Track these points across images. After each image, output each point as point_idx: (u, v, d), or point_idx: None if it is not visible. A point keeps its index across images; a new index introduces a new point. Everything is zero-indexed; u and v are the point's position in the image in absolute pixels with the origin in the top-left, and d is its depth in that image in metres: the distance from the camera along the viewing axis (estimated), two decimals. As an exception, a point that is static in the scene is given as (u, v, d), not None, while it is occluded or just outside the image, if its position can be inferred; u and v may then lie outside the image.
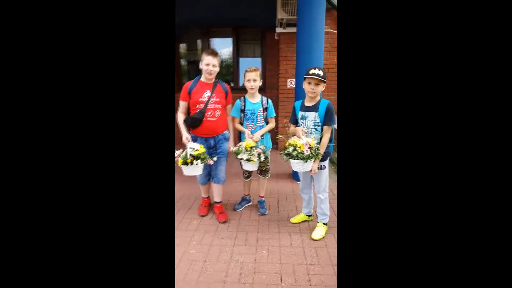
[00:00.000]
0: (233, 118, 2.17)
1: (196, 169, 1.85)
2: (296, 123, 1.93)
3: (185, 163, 1.81)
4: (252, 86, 2.06)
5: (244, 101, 2.13)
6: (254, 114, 2.13)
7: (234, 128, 2.22)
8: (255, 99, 2.15)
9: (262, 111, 2.14)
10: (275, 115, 2.20)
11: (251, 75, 2.04)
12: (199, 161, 1.82)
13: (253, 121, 2.14)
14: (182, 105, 2.05)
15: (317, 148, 1.72)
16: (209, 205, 2.39)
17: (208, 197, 2.38)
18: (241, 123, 2.17)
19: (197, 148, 1.84)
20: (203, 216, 2.28)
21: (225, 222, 2.18)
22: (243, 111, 2.13)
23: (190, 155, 1.81)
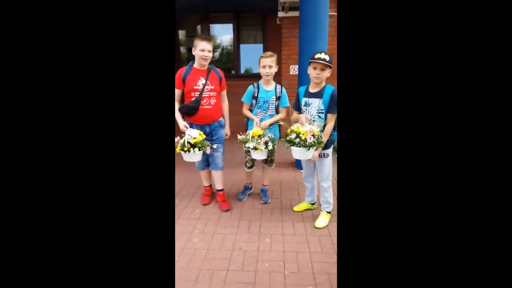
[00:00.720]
0: (243, 104, 2.11)
1: (195, 156, 1.85)
2: (299, 110, 1.88)
3: (183, 150, 1.82)
4: (267, 72, 1.97)
5: (258, 87, 2.05)
6: (267, 102, 2.06)
7: (244, 114, 2.17)
8: (269, 87, 2.07)
9: (274, 99, 2.07)
10: (288, 104, 2.11)
11: (267, 61, 1.96)
12: (196, 149, 1.81)
13: (264, 109, 2.07)
14: (176, 93, 2.00)
15: (320, 136, 1.67)
16: (211, 194, 2.38)
17: (210, 185, 2.37)
18: (251, 110, 2.10)
19: (195, 135, 1.83)
20: (205, 205, 2.28)
21: (227, 210, 2.18)
22: (255, 98, 2.05)
23: (188, 142, 1.80)
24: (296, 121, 1.82)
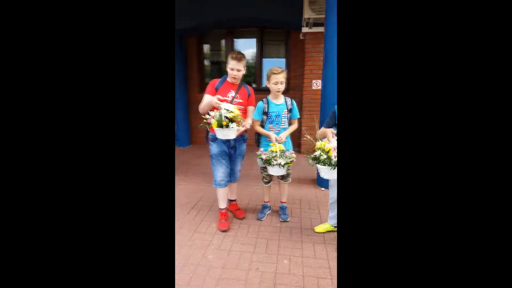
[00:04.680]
0: (254, 121, 2.08)
1: (230, 133, 1.75)
2: (331, 127, 1.79)
3: (220, 125, 1.71)
4: (279, 88, 1.97)
5: (267, 103, 2.04)
6: (279, 116, 2.04)
7: (256, 131, 2.13)
8: (279, 101, 2.06)
9: (286, 112, 2.05)
10: (299, 116, 2.11)
11: (279, 77, 1.95)
12: (234, 124, 1.72)
13: (277, 124, 2.05)
14: (206, 97, 1.98)
15: None
16: (228, 218, 2.18)
17: (226, 208, 2.18)
18: (262, 126, 2.08)
19: (231, 109, 1.73)
20: (224, 231, 2.04)
21: (243, 218, 2.19)
22: (266, 113, 2.04)
23: (225, 117, 1.70)
24: (323, 137, 1.72)
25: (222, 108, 1.73)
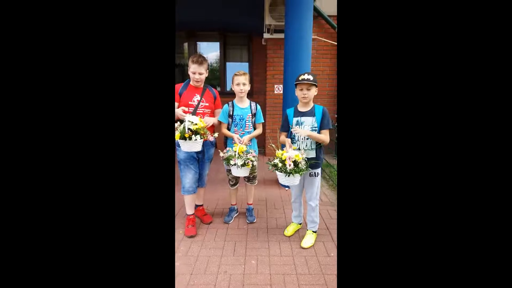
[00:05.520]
0: (221, 123, 2.12)
1: (195, 145, 1.74)
2: (287, 131, 1.91)
3: (183, 137, 1.70)
4: (241, 90, 2.03)
5: (233, 106, 2.09)
6: (243, 119, 2.09)
7: (223, 134, 2.17)
8: (244, 104, 2.11)
9: (250, 116, 2.11)
10: (263, 121, 2.18)
11: (241, 79, 2.01)
12: (198, 136, 1.71)
13: (241, 127, 2.10)
14: None
15: (304, 164, 1.70)
16: (195, 223, 2.16)
17: (193, 214, 2.15)
18: (228, 129, 2.12)
19: (196, 121, 1.72)
20: (192, 237, 2.02)
21: (210, 223, 2.19)
22: (231, 116, 2.08)
23: (189, 129, 1.69)
24: (284, 144, 1.85)
25: (186, 120, 1.73)
